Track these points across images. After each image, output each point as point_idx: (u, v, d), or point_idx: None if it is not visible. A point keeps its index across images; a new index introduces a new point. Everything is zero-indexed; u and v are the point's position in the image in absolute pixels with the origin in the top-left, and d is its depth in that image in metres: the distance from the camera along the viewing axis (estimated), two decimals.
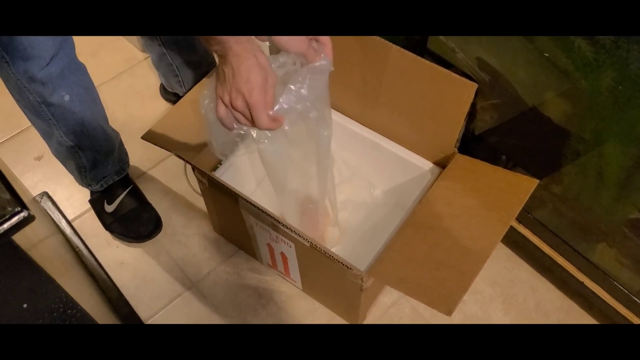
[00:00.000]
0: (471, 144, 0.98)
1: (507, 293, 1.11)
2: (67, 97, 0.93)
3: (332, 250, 1.08)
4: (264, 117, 0.72)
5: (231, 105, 0.72)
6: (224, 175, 1.03)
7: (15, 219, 0.39)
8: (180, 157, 0.91)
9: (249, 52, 0.70)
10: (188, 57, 1.19)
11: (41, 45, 0.84)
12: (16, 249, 0.44)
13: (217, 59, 0.74)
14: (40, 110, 0.93)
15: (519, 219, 1.00)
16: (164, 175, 1.29)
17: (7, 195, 0.40)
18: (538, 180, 0.86)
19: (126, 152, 1.18)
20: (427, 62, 0.88)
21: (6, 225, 0.40)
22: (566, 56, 0.73)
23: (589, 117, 0.77)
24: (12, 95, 0.93)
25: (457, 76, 0.86)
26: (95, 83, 1.03)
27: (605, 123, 0.75)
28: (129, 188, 1.19)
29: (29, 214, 0.39)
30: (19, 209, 0.39)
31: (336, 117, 1.08)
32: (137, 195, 1.20)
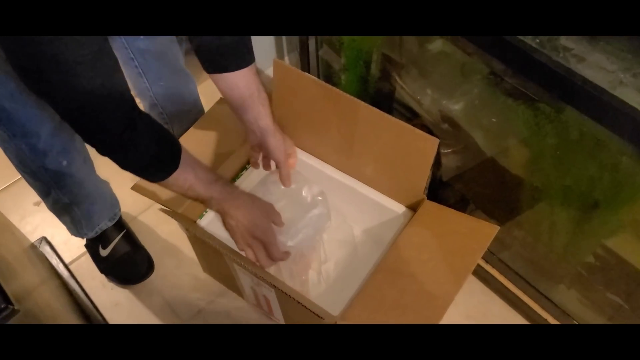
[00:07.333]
0: (439, 189, 1.04)
1: None
2: (64, 162, 0.99)
3: (315, 291, 1.15)
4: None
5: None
6: (211, 222, 1.08)
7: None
8: (164, 211, 0.98)
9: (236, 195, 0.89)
10: (178, 107, 1.26)
11: (39, 120, 0.90)
12: None
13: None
14: (39, 175, 0.99)
15: (487, 259, 1.06)
16: (156, 218, 1.35)
17: None
18: (499, 227, 0.92)
19: (117, 198, 1.24)
20: (393, 118, 0.94)
21: None
22: (512, 118, 0.80)
23: (537, 171, 0.83)
24: (11, 161, 0.99)
25: (420, 132, 0.92)
26: None
27: (551, 177, 0.81)
28: (122, 232, 1.25)
29: (12, 309, 0.45)
30: (4, 305, 0.44)
31: (315, 163, 1.14)
32: (130, 239, 1.27)
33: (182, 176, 0.80)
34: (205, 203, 0.89)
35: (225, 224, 0.92)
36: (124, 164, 0.77)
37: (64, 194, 1.05)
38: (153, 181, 0.81)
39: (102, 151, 0.74)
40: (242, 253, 0.94)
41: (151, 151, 0.75)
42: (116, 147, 0.74)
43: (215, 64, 0.86)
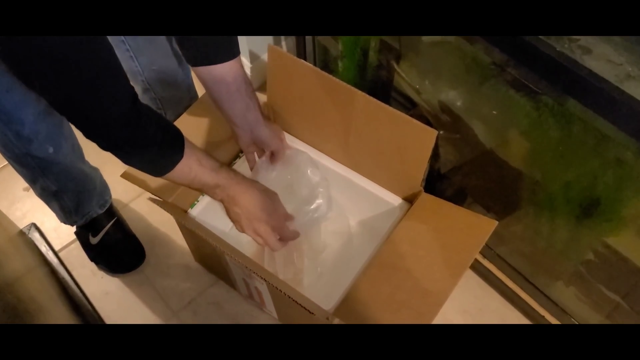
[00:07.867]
0: (437, 181, 1.02)
1: (477, 322, 1.15)
2: (51, 150, 0.96)
3: (308, 280, 1.13)
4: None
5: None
6: (203, 210, 1.06)
7: None
8: (154, 201, 0.95)
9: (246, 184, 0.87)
10: (171, 92, 1.23)
11: (22, 106, 0.87)
12: None
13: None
14: (25, 161, 0.97)
15: (484, 254, 1.04)
16: (147, 206, 1.33)
17: None
18: (497, 222, 0.89)
19: (107, 185, 1.22)
20: (390, 108, 0.91)
21: None
22: (513, 110, 0.77)
23: (538, 165, 0.80)
24: None
25: (419, 123, 0.89)
26: None
27: (552, 171, 0.79)
28: (113, 220, 1.23)
29: None
30: None
31: (310, 152, 1.11)
32: (120, 226, 1.24)
33: (187, 166, 0.77)
34: (209, 192, 0.86)
35: (229, 212, 0.89)
36: (128, 160, 0.73)
37: (51, 181, 1.03)
38: (158, 175, 0.77)
39: (104, 147, 0.70)
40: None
41: (156, 144, 0.72)
42: (119, 143, 0.69)
43: (201, 56, 0.83)
